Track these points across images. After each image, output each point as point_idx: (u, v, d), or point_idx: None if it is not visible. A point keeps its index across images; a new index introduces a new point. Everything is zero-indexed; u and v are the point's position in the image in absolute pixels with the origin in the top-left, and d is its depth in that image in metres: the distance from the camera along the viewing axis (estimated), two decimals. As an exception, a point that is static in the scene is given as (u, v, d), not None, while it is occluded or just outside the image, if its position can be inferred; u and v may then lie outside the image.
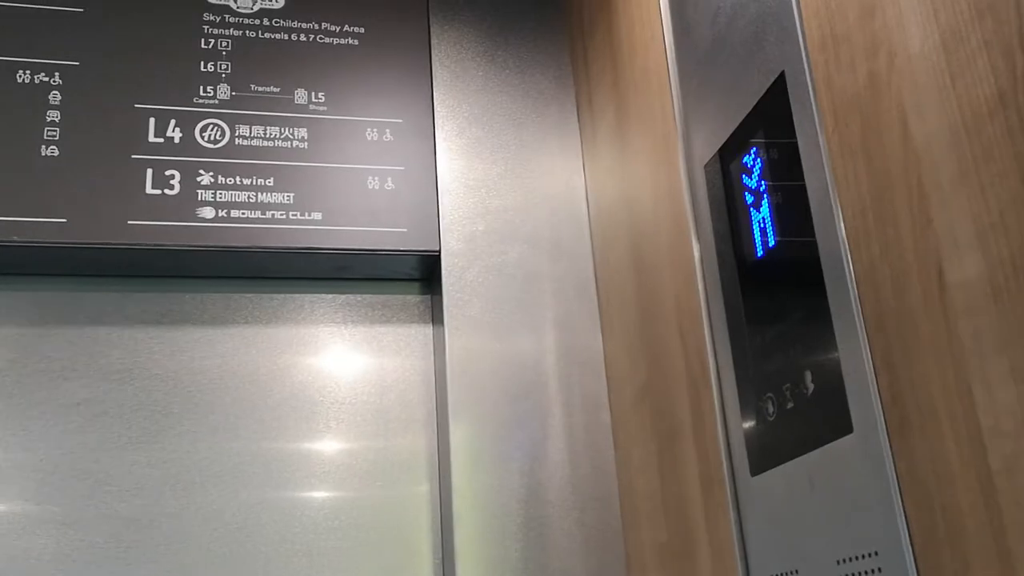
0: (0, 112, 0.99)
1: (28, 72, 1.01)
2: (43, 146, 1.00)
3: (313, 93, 1.11)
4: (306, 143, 1.08)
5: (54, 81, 1.02)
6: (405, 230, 1.08)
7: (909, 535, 0.54)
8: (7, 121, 0.99)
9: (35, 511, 0.97)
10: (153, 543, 0.99)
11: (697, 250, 0.81)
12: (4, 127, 0.99)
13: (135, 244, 0.99)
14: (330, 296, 1.13)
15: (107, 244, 0.98)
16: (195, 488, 1.01)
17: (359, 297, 1.14)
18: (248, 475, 1.03)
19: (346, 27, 1.14)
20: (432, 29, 1.17)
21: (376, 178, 1.09)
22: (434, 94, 1.15)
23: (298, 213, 1.05)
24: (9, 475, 0.97)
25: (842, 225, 0.61)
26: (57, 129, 1.00)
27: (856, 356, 0.59)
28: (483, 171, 1.14)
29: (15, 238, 0.96)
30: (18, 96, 1.00)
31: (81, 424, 1.01)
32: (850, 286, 0.60)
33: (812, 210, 0.64)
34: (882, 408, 0.57)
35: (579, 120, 1.18)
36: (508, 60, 1.20)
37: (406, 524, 1.05)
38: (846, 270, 0.60)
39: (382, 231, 1.07)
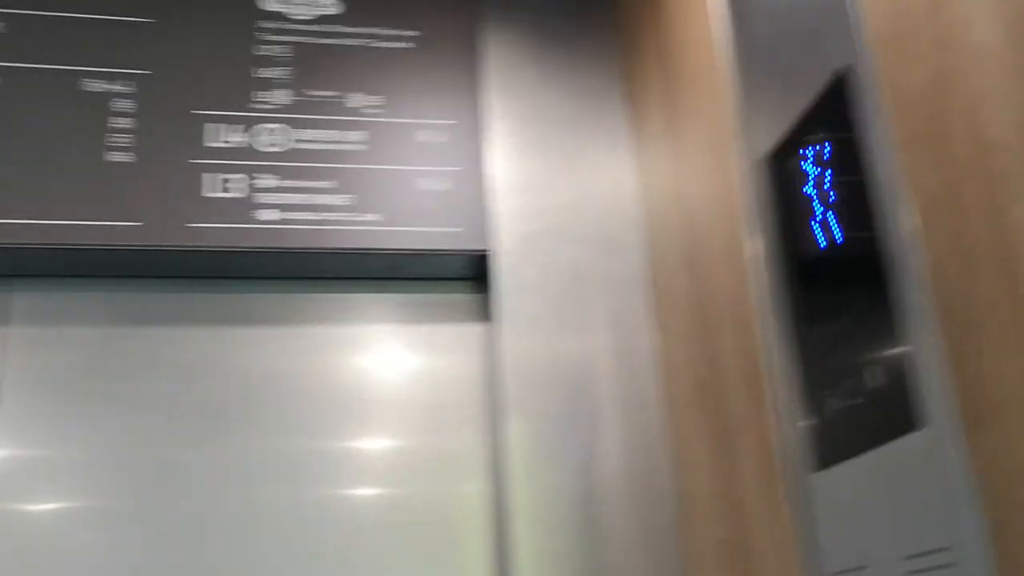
0: (68, 119, 1.02)
1: (96, 81, 1.04)
2: (112, 153, 1.02)
3: (370, 96, 1.12)
4: (363, 145, 1.10)
5: (124, 89, 1.05)
6: (458, 230, 1.10)
7: (984, 529, 0.54)
8: (77, 128, 1.02)
9: (104, 505, 1.00)
10: (215, 538, 1.01)
11: (754, 246, 0.81)
12: (73, 135, 1.02)
13: (198, 247, 1.02)
14: (384, 296, 1.15)
15: (171, 247, 1.01)
16: (255, 485, 1.04)
17: (413, 297, 1.15)
18: (305, 473, 1.05)
19: (401, 31, 1.16)
20: (483, 31, 1.19)
21: (430, 179, 1.11)
22: (486, 95, 1.16)
23: (355, 214, 1.07)
24: (81, 470, 1.00)
25: (911, 219, 0.61)
26: (125, 135, 1.03)
27: (928, 350, 0.59)
28: (534, 170, 1.15)
29: (92, 242, 0.99)
30: (83, 103, 1.03)
31: (149, 421, 1.04)
32: (919, 280, 0.60)
33: (879, 205, 0.64)
34: (956, 402, 0.56)
35: (630, 117, 1.19)
36: (558, 60, 1.20)
37: (460, 521, 1.07)
38: (915, 264, 0.60)
39: (436, 231, 1.09)
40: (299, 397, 1.08)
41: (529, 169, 1.15)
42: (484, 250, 1.10)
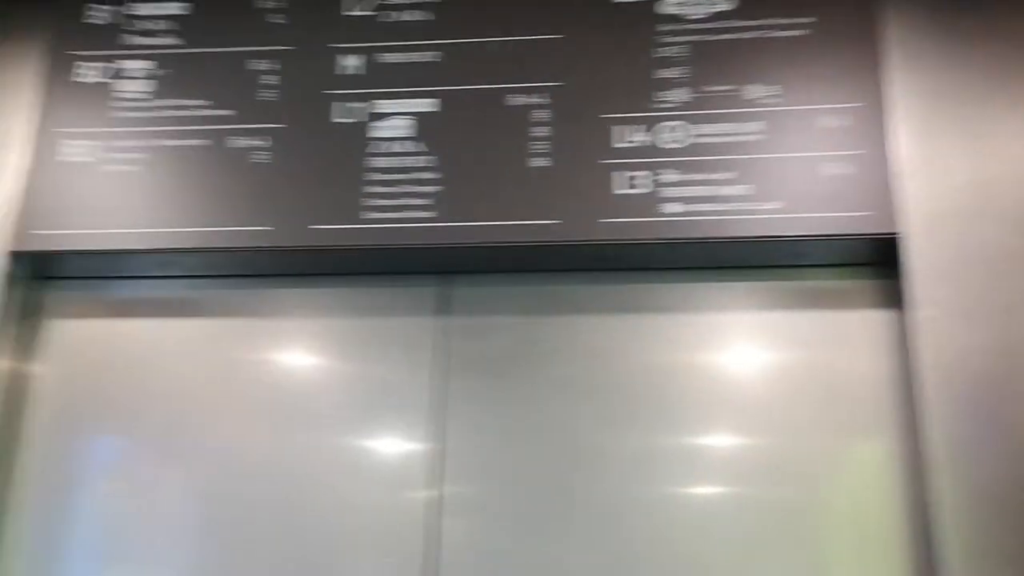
0: (500, 131, 1.15)
1: (517, 95, 1.17)
2: (533, 158, 1.14)
3: (767, 87, 1.14)
4: (762, 135, 1.12)
5: (540, 100, 1.16)
6: (865, 214, 1.07)
7: None
8: (505, 139, 1.15)
9: (534, 477, 1.10)
10: (629, 522, 1.07)
11: None
12: (503, 144, 1.15)
13: (610, 240, 1.09)
14: (783, 284, 1.15)
15: (586, 242, 1.10)
16: (661, 470, 1.09)
17: (814, 284, 1.14)
18: (709, 463, 1.08)
19: (796, 19, 1.16)
20: (883, 10, 1.15)
21: (833, 164, 1.09)
22: (889, 75, 1.12)
23: (756, 203, 1.09)
24: (504, 443, 1.12)
25: None
26: (542, 143, 1.14)
27: None
28: (943, 148, 1.09)
29: (519, 239, 1.11)
30: (510, 117, 1.16)
31: (565, 402, 1.13)
32: None
33: None
34: None
35: (1060, 84, 1.08)
36: (965, 31, 1.13)
37: (870, 523, 1.04)
38: None
39: (841, 216, 1.07)
40: (703, 383, 1.12)
41: (937, 147, 1.09)
42: (894, 233, 1.06)
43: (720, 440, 1.10)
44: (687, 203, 1.10)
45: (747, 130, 1.12)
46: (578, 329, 1.16)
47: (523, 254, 1.14)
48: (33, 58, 1.26)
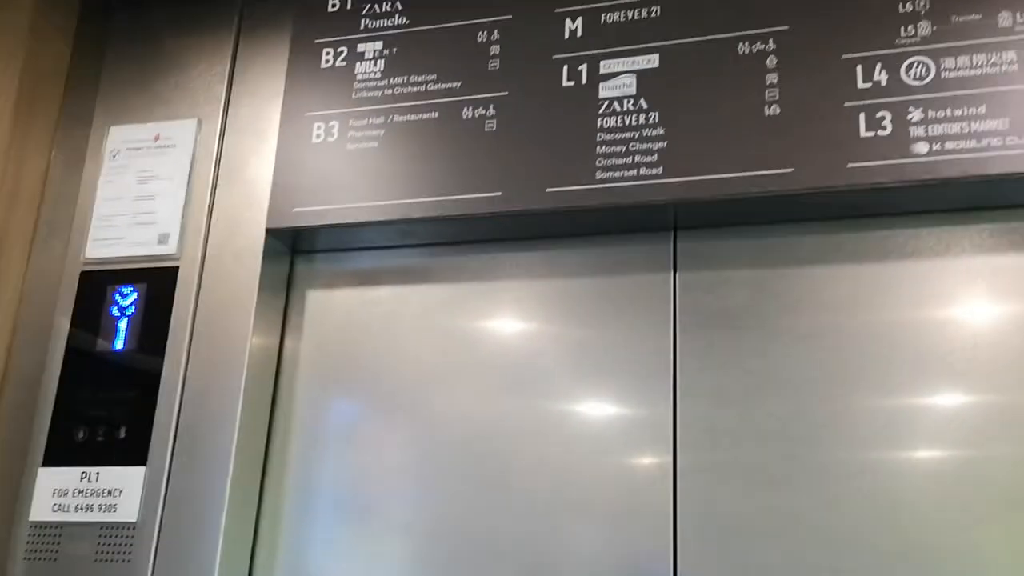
0: (727, 81, 1.14)
1: (747, 43, 1.15)
2: (765, 107, 1.12)
3: (1018, 14, 1.07)
4: (1015, 66, 1.05)
5: (768, 47, 1.14)
6: None
7: None
8: (733, 88, 1.14)
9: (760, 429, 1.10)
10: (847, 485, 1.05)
11: None
12: (730, 94, 1.14)
13: (856, 186, 1.06)
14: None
15: (830, 188, 1.07)
16: (889, 429, 1.05)
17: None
18: (959, 426, 1.04)
19: (1050, -64, 1.08)
20: None
21: (1102, 90, 1.01)
22: None
23: (1015, 138, 1.03)
24: (739, 401, 1.11)
25: None
26: (776, 90, 1.12)
27: None
28: None
29: (751, 190, 1.10)
30: (738, 65, 1.15)
31: (808, 354, 1.11)
32: None
33: None
34: None
35: None
36: None
37: None
38: None
39: (1114, 146, 1.00)
40: (956, 336, 1.07)
41: None
42: None
43: (976, 399, 1.05)
44: (938, 142, 1.05)
45: (999, 61, 1.06)
46: (818, 280, 1.14)
47: (751, 206, 1.13)
48: (280, 48, 1.36)
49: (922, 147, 1.05)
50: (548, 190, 1.17)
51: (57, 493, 1.23)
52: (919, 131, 1.06)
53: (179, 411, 1.23)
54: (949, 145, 1.04)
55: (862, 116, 1.08)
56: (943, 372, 1.06)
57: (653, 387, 1.15)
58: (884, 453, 1.05)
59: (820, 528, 1.05)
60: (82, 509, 1.22)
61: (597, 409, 1.17)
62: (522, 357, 1.21)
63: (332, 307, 1.32)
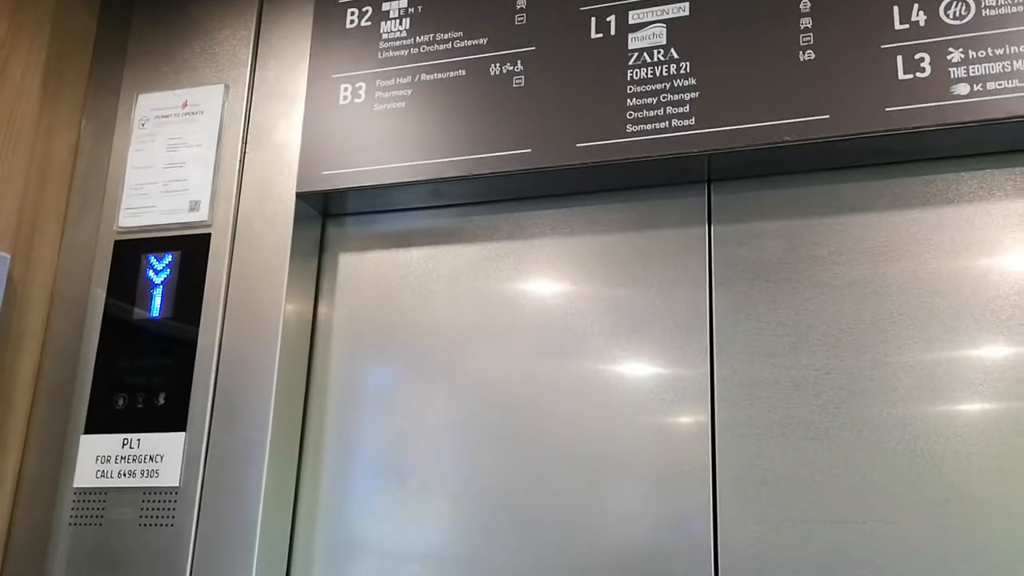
0: (759, 27, 1.12)
1: (780, -13, 1.13)
2: (799, 52, 1.10)
3: (1063, -55, 1.04)
4: (1060, 0, 1.02)
5: (803, -9, 1.12)
6: None
7: None
8: (766, 35, 1.12)
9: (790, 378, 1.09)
10: (885, 447, 1.04)
11: None
12: (763, 41, 1.12)
13: (895, 130, 1.04)
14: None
15: (868, 133, 1.05)
16: (936, 383, 1.04)
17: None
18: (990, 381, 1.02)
19: None
20: None
21: None
22: None
23: (1060, 75, 1.00)
24: (777, 354, 1.10)
25: None
26: (810, 34, 1.10)
27: None
28: None
29: (786, 138, 1.08)
30: (771, 10, 1.13)
31: (847, 305, 1.10)
32: None
33: None
34: None
35: None
36: None
37: None
38: None
39: None
40: (1005, 284, 1.05)
41: None
42: None
43: (1020, 347, 1.03)
44: (979, 82, 1.03)
45: (1043, -4, 1.03)
46: (856, 229, 1.12)
47: (792, 154, 1.11)
48: (305, 9, 1.35)
49: (963, 88, 1.03)
50: (578, 145, 1.16)
51: (100, 460, 1.25)
52: (959, 72, 1.04)
53: (216, 377, 1.24)
54: (991, 85, 1.02)
55: (900, 58, 1.06)
56: (986, 320, 1.05)
57: (689, 343, 1.15)
58: (925, 403, 1.04)
59: (861, 479, 1.04)
60: (125, 475, 1.24)
61: (633, 366, 1.17)
62: (556, 316, 1.21)
63: (364, 270, 1.32)
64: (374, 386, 1.28)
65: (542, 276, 1.24)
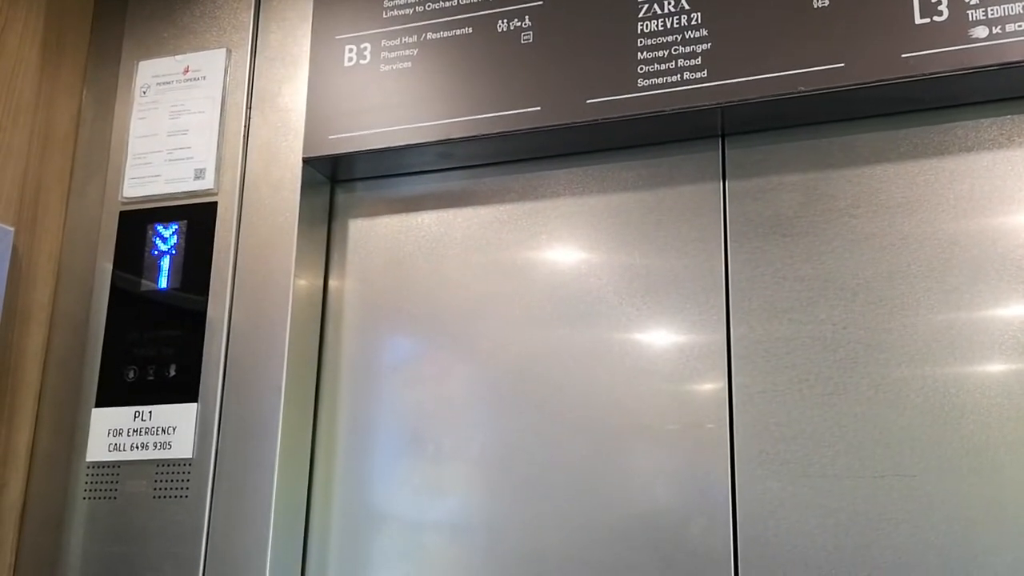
0: (773, -23, 1.13)
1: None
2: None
3: None
4: (1080, -61, 1.02)
5: (815, -63, 1.12)
6: None
7: None
8: (780, -16, 1.13)
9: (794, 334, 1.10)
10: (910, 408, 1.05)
11: None
12: (777, -10, 1.12)
13: (912, 76, 1.05)
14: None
15: (884, 81, 1.06)
16: (962, 341, 1.05)
17: None
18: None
19: None
20: None
21: None
22: None
23: (1081, 16, 1.01)
24: (795, 312, 1.12)
25: None
26: (824, -20, 1.11)
27: None
28: None
29: (801, 88, 1.09)
30: (784, -41, 1.13)
31: (864, 258, 1.11)
32: None
33: None
34: None
35: None
36: None
37: None
38: None
39: None
40: (1018, 227, 1.06)
41: None
42: None
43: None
44: (998, 24, 1.03)
45: (1063, -66, 1.03)
46: (873, 181, 1.13)
47: (807, 105, 1.11)
48: (307, -31, 1.36)
49: (981, 31, 1.04)
50: (588, 101, 1.17)
51: (112, 433, 1.28)
52: (978, 14, 1.04)
53: (227, 346, 1.26)
54: (1010, 27, 1.02)
55: (916, 2, 1.06)
56: (1006, 270, 1.05)
57: (705, 300, 1.16)
58: (944, 356, 1.05)
59: (879, 434, 1.05)
60: (137, 448, 1.26)
61: (649, 326, 1.18)
62: (570, 276, 1.22)
63: (374, 235, 1.34)
64: (387, 352, 1.29)
65: (555, 237, 1.25)
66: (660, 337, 1.17)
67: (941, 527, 1.01)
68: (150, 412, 1.27)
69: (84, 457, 1.28)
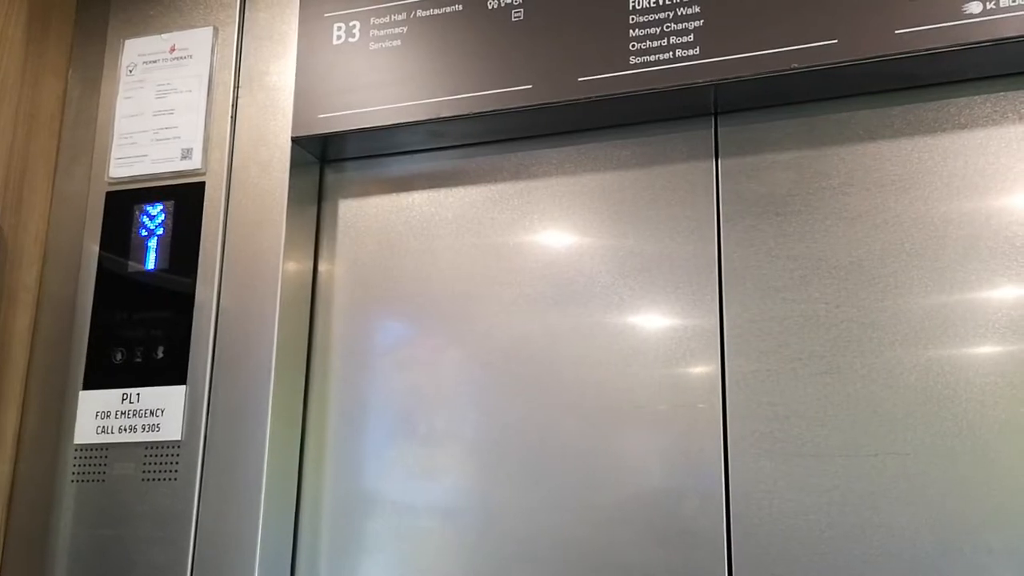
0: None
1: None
2: (806, -25, 1.12)
3: None
4: (1075, -87, 1.03)
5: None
6: None
7: None
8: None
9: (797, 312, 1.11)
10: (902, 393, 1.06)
11: None
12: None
13: (904, 53, 1.06)
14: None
15: (878, 57, 1.07)
16: (959, 322, 1.06)
17: None
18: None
19: None
20: None
21: None
22: None
23: (1075, -9, 1.02)
24: (789, 291, 1.13)
25: None
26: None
27: None
28: None
29: (794, 65, 1.10)
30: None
31: (858, 236, 1.12)
32: None
33: None
34: None
35: None
36: None
37: None
38: None
39: None
40: (1012, 205, 1.07)
41: None
42: None
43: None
44: (991, 0, 1.04)
45: (1058, -91, 1.04)
46: (867, 159, 1.14)
47: (800, 82, 1.12)
48: (294, -54, 1.37)
49: (975, 6, 1.04)
50: (580, 79, 1.18)
51: (100, 415, 1.28)
52: (971, -11, 1.05)
53: (216, 328, 1.27)
54: (1004, 2, 1.03)
55: (909, -23, 1.07)
56: (1000, 248, 1.07)
57: (698, 279, 1.17)
58: (938, 335, 1.06)
59: (873, 412, 1.07)
60: (125, 430, 1.27)
61: (642, 306, 1.19)
62: (562, 257, 1.23)
63: (365, 216, 1.35)
64: (378, 334, 1.30)
65: (547, 216, 1.26)
66: (653, 318, 1.18)
67: (935, 505, 1.03)
68: (138, 394, 1.28)
69: (72, 440, 1.28)
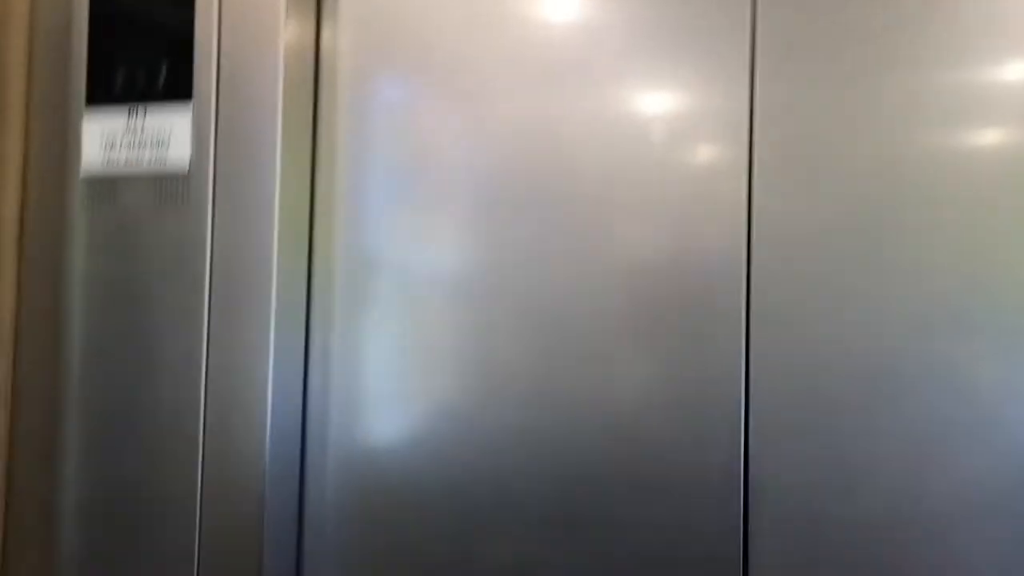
0: None
1: None
2: None
3: None
4: None
5: None
6: None
7: None
8: None
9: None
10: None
11: None
12: None
13: None
14: None
15: None
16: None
17: None
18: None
19: None
20: None
21: None
22: None
23: None
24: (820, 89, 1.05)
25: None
26: None
27: None
28: None
29: None
30: None
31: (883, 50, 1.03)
32: None
33: None
34: None
35: None
36: None
37: None
38: None
39: None
40: None
41: None
42: None
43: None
44: None
45: None
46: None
47: None
48: None
49: None
50: None
51: (106, 144, 1.25)
52: None
53: (219, 40, 1.21)
54: None
55: None
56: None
57: (728, 55, 1.11)
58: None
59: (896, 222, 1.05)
60: (133, 158, 1.24)
61: (664, 87, 1.14)
62: (579, 28, 1.17)
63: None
64: (381, 103, 1.25)
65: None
66: (676, 97, 1.13)
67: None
68: (144, 113, 1.23)
69: (78, 169, 1.25)
